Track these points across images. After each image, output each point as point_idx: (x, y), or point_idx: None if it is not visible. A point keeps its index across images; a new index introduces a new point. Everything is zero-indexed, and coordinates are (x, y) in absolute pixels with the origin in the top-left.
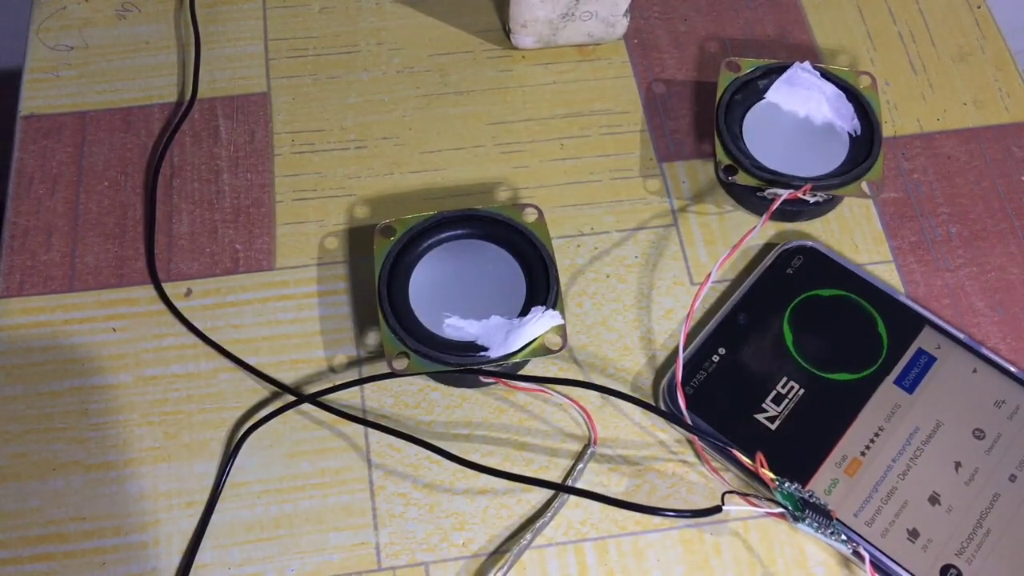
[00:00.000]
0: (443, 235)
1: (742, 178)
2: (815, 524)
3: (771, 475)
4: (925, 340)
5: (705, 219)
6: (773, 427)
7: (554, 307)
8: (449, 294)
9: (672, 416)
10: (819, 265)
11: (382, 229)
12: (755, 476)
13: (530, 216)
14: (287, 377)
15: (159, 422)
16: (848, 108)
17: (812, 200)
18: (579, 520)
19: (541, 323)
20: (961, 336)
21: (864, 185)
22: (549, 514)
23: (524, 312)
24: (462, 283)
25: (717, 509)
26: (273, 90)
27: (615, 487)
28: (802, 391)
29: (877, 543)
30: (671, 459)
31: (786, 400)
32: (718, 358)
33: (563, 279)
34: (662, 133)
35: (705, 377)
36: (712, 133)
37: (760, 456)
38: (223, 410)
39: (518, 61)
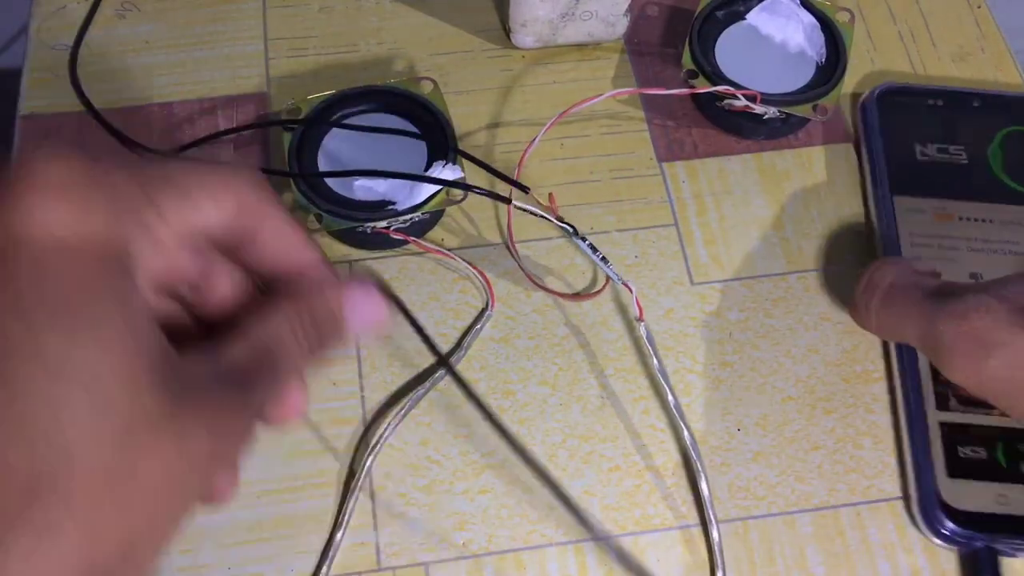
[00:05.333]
0: (346, 111)
1: (700, 83)
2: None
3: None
4: None
5: (705, 219)
6: None
7: (454, 163)
8: (357, 163)
9: None
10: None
11: (288, 111)
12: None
13: (426, 87)
14: None
15: None
16: (820, 37)
17: (764, 115)
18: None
19: (443, 175)
20: None
21: (812, 106)
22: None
23: (427, 171)
24: (368, 152)
25: (507, 200)
26: (273, 90)
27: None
28: None
29: None
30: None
31: None
32: None
33: (563, 278)
34: (663, 133)
35: None
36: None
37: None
38: None
39: (518, 61)
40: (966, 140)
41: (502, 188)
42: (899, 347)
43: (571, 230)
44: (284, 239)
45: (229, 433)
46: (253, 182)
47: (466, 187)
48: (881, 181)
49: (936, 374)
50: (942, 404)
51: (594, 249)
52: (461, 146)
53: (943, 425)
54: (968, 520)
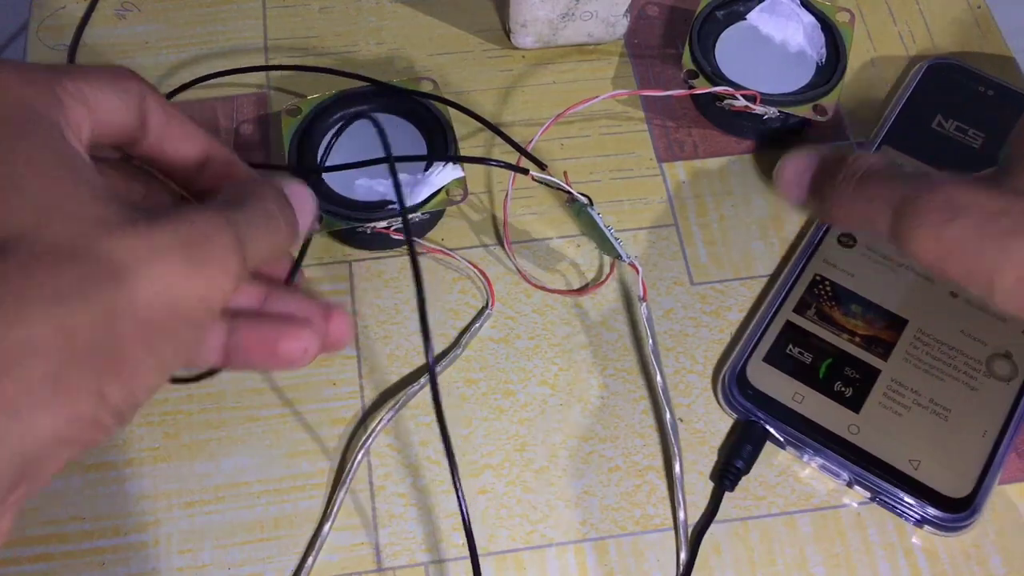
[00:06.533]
0: (347, 110)
1: (700, 83)
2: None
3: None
4: None
5: (705, 219)
6: None
7: (455, 164)
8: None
9: None
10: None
11: (288, 110)
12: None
13: (426, 87)
14: None
15: (159, 422)
16: (821, 38)
17: (764, 115)
18: (579, 520)
19: (443, 175)
20: None
21: (812, 106)
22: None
23: (427, 171)
24: (368, 152)
25: (524, 171)
26: (273, 90)
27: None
28: None
29: None
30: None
31: None
32: None
33: (563, 278)
34: (663, 133)
35: None
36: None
37: (564, 173)
38: (222, 410)
39: (518, 61)
40: (991, 130)
41: (500, 197)
42: (801, 254)
43: (587, 201)
44: (176, 124)
45: (213, 231)
46: (131, 73)
47: (485, 161)
48: (880, 132)
49: (812, 286)
50: (800, 309)
51: (606, 225)
52: (461, 146)
53: (789, 323)
54: (756, 397)
